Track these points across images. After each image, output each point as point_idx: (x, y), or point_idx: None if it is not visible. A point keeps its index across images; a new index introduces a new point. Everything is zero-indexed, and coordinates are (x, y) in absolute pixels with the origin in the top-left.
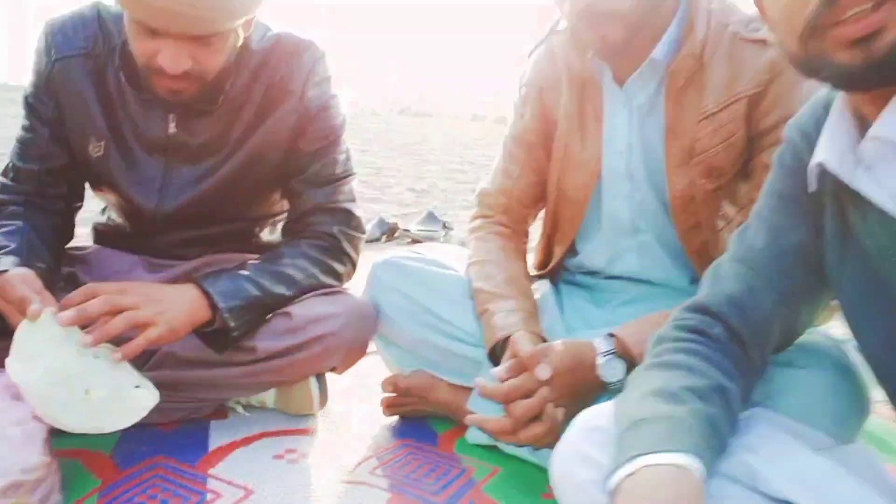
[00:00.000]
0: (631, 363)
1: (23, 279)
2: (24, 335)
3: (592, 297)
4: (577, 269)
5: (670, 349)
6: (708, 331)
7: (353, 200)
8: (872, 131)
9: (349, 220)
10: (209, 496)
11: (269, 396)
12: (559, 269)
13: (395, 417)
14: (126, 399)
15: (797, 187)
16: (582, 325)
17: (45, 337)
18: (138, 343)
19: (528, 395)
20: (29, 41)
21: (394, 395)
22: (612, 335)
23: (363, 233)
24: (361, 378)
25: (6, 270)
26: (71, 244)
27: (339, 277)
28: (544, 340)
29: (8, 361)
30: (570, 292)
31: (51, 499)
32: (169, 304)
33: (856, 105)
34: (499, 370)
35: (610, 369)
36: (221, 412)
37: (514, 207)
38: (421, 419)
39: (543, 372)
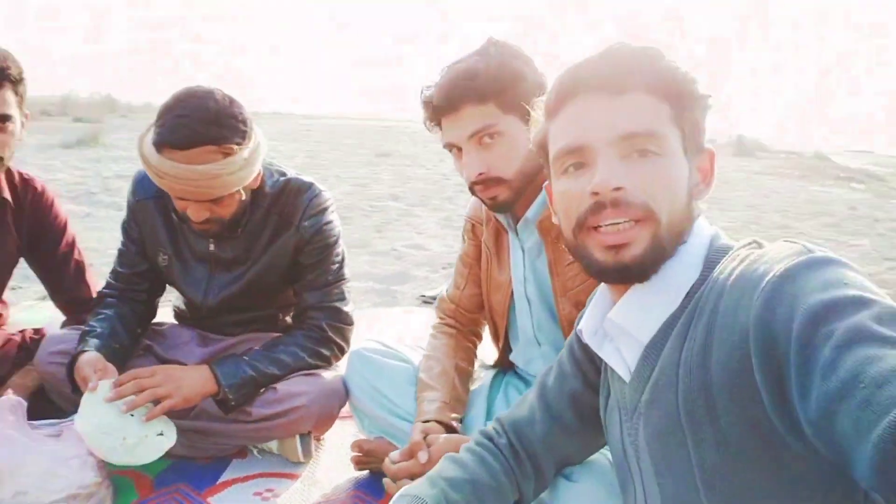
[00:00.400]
0: None
1: (90, 361)
2: (85, 400)
3: (526, 387)
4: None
5: (470, 446)
6: (496, 439)
7: (342, 300)
8: (610, 314)
9: (337, 315)
10: None
11: (273, 445)
12: (509, 363)
13: (366, 472)
14: (150, 443)
15: (578, 342)
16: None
17: (98, 401)
18: (158, 409)
19: (412, 476)
20: (30, 43)
21: (359, 454)
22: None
23: (350, 324)
24: (351, 437)
25: (85, 351)
26: (155, 320)
27: (326, 360)
28: (450, 426)
29: (76, 417)
30: (512, 381)
31: None
32: (185, 381)
33: (610, 290)
34: (394, 454)
35: None
36: (243, 452)
37: (461, 312)
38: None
39: (422, 457)
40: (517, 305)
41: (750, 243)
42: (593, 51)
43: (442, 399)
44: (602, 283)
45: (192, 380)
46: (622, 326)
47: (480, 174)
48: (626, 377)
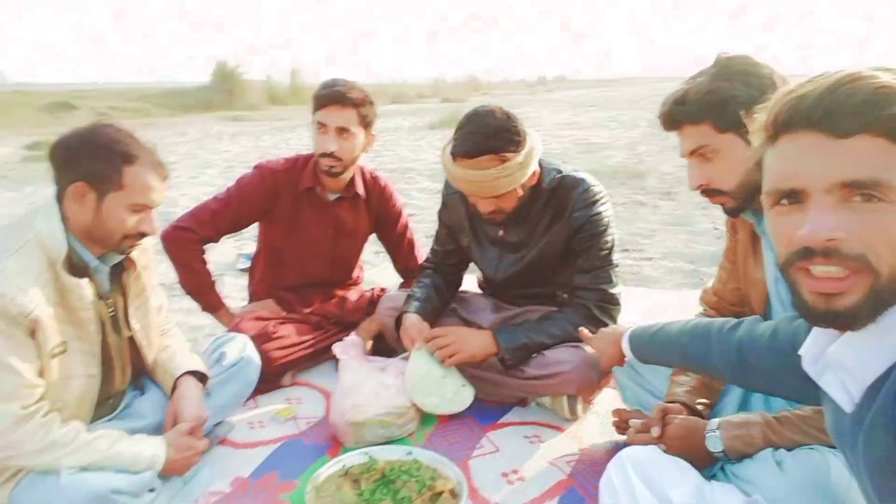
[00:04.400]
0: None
1: (413, 323)
2: (414, 356)
3: None
4: None
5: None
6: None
7: (610, 282)
8: (830, 350)
9: (604, 296)
10: (484, 444)
11: (547, 401)
12: None
13: (623, 437)
14: (458, 394)
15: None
16: None
17: (422, 358)
18: (452, 360)
19: None
20: (107, 40)
21: (616, 420)
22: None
23: (616, 304)
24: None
25: (408, 311)
26: (462, 288)
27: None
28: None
29: (406, 376)
30: None
31: (410, 425)
32: (470, 341)
33: None
34: (634, 422)
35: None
36: (524, 402)
37: (724, 305)
38: None
39: (654, 432)
40: (773, 305)
41: None
42: (820, 77)
43: (692, 384)
44: None
45: (476, 341)
46: (843, 364)
47: (700, 185)
48: (848, 409)
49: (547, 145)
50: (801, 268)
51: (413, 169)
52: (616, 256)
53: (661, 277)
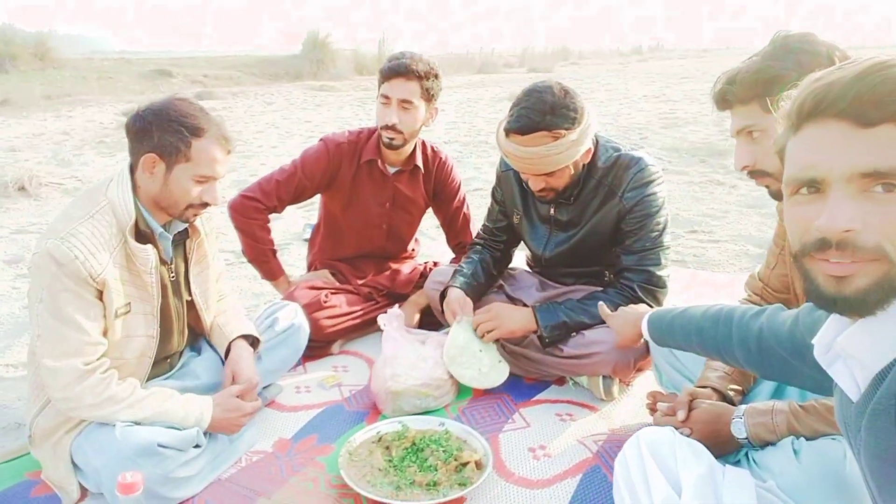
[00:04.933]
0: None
1: (457, 297)
2: (454, 329)
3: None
4: None
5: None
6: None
7: (658, 265)
8: (840, 338)
9: (650, 278)
10: (515, 420)
11: (584, 380)
12: None
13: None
14: (494, 370)
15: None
16: None
17: (462, 331)
18: (491, 336)
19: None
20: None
21: (651, 402)
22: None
23: (662, 287)
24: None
25: (453, 286)
26: (511, 265)
27: None
28: (725, 395)
29: (444, 349)
30: None
31: (445, 397)
32: (511, 318)
33: None
34: (662, 405)
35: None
36: (561, 381)
37: (769, 292)
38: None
39: (680, 415)
40: None
41: None
42: (849, 63)
43: (726, 370)
44: None
45: (517, 317)
46: (850, 353)
47: (745, 166)
48: (854, 398)
49: (630, 118)
50: (815, 258)
51: (487, 142)
52: (667, 238)
53: (725, 261)
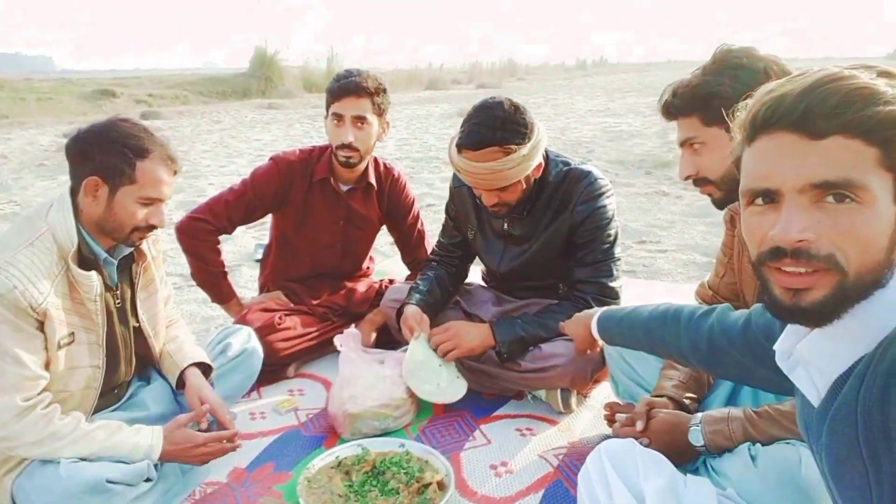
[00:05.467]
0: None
1: (413, 314)
2: (413, 345)
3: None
4: None
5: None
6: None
7: (610, 276)
8: (800, 345)
9: (603, 290)
10: (476, 437)
11: (542, 394)
12: None
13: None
14: (452, 385)
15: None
16: None
17: (420, 347)
18: (452, 355)
19: None
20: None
21: (609, 413)
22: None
23: (615, 298)
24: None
25: (409, 303)
26: (468, 280)
27: None
28: (681, 403)
29: (403, 364)
30: None
31: (405, 417)
32: (469, 335)
33: None
34: (620, 416)
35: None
36: (520, 395)
37: (718, 300)
38: None
39: (638, 425)
40: None
41: None
42: (800, 76)
43: (680, 378)
44: None
45: (475, 334)
46: (809, 360)
47: (689, 176)
48: (816, 403)
49: (576, 133)
50: (771, 267)
51: (438, 158)
52: (618, 250)
53: (673, 270)
